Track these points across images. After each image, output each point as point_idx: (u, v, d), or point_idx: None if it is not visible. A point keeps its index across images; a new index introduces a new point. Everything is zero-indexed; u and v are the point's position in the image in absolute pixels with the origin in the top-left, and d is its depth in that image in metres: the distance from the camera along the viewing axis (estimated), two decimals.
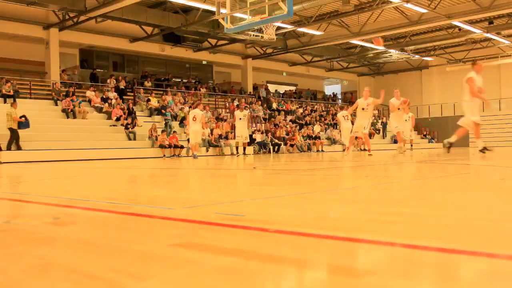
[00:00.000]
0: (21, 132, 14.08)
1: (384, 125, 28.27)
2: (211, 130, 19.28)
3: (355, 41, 24.79)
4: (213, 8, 13.54)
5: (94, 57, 24.05)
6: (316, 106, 29.39)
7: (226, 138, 19.46)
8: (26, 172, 7.20)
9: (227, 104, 24.75)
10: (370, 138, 15.09)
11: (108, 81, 21.04)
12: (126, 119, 17.92)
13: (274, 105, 26.59)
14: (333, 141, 24.45)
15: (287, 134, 22.39)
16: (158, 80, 24.69)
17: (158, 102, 20.66)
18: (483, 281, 1.02)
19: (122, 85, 21.06)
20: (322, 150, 22.45)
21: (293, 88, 33.97)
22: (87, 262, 1.24)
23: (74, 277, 1.09)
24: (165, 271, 1.10)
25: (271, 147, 20.43)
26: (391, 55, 29.03)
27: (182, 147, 17.21)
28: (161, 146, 16.71)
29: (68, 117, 17.21)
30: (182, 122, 19.25)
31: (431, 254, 1.24)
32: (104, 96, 19.53)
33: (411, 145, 18.03)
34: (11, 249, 1.44)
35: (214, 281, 1.02)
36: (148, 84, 22.87)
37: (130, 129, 17.44)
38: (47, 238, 1.61)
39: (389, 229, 1.62)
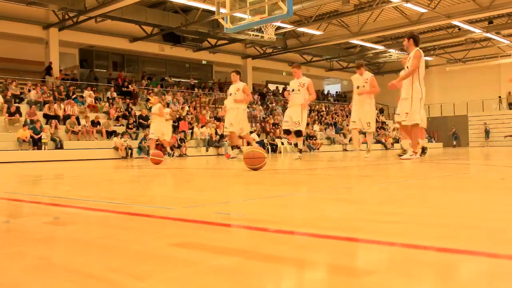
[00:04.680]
0: None
1: None
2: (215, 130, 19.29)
3: (355, 41, 24.82)
4: (213, 8, 13.55)
5: (93, 57, 24.05)
6: (317, 106, 29.44)
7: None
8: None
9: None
10: None
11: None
12: (127, 119, 17.94)
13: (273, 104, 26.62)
14: (332, 141, 24.42)
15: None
16: (162, 80, 24.71)
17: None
18: (483, 280, 1.02)
19: (132, 86, 21.10)
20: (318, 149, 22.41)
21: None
22: (87, 262, 1.24)
23: (74, 277, 1.09)
24: (165, 270, 1.10)
25: (269, 147, 20.44)
26: (390, 55, 29.06)
27: (179, 146, 17.27)
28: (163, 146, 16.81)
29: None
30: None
31: (431, 254, 1.24)
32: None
33: None
34: (11, 249, 1.44)
35: (214, 281, 1.02)
36: (144, 82, 22.85)
37: (132, 129, 17.45)
38: (47, 238, 1.61)
39: (389, 229, 1.62)
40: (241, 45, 26.38)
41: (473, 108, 30.82)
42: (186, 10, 19.93)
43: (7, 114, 15.52)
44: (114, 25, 20.81)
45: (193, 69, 28.37)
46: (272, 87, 32.43)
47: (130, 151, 16.21)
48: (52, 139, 15.09)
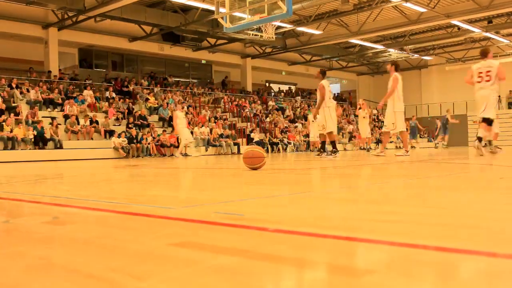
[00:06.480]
0: None
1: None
2: (211, 130, 19.27)
3: (354, 40, 24.81)
4: (212, 7, 13.55)
5: (93, 57, 24.03)
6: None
7: (228, 137, 19.47)
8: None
9: (225, 105, 24.71)
10: None
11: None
12: (127, 119, 17.92)
13: (271, 104, 26.60)
14: None
15: (285, 133, 22.40)
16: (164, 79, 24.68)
17: (157, 100, 20.65)
18: (483, 280, 1.02)
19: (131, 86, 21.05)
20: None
21: (292, 87, 33.98)
22: (87, 262, 1.24)
23: (74, 277, 1.09)
24: (164, 270, 1.10)
25: (269, 146, 20.44)
26: (390, 54, 29.04)
27: (178, 146, 17.29)
28: (163, 146, 16.84)
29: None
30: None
31: (431, 253, 1.24)
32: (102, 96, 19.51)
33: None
34: (11, 249, 1.44)
35: (214, 281, 1.02)
36: (145, 82, 22.82)
37: (132, 128, 17.43)
38: (46, 238, 1.61)
39: (388, 228, 1.62)
40: (241, 44, 26.37)
41: (472, 107, 30.83)
42: (185, 9, 19.92)
43: (12, 114, 15.52)
44: (114, 25, 20.79)
45: (192, 68, 28.36)
46: (274, 87, 32.46)
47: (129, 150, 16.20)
48: (51, 139, 15.09)
